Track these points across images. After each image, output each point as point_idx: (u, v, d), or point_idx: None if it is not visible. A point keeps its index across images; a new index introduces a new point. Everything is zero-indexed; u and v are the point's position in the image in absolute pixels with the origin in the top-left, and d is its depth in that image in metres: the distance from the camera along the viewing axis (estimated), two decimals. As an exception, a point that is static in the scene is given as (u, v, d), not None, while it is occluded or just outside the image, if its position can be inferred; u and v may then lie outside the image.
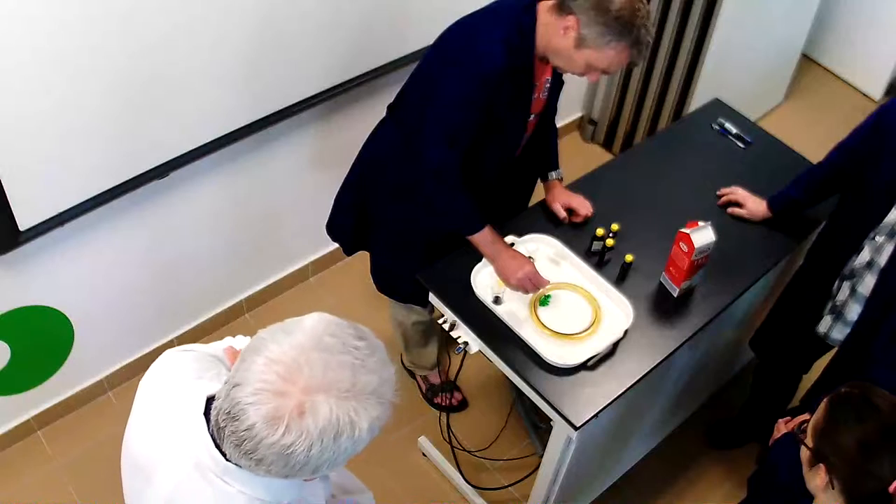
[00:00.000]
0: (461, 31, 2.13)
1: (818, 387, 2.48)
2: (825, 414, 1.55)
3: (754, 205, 2.47)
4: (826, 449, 1.52)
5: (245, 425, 1.06)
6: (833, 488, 1.50)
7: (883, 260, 2.10)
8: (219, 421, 1.11)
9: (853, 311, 2.22)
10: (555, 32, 2.02)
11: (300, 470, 1.09)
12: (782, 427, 1.92)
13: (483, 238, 2.21)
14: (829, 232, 2.38)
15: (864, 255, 2.15)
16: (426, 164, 2.15)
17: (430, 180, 2.18)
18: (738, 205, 2.49)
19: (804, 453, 1.58)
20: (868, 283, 2.15)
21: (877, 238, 2.11)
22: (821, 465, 1.52)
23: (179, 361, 1.33)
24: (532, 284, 2.19)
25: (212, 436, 1.17)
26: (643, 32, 1.98)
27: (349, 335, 1.11)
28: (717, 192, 2.54)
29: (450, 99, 2.08)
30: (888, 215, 2.07)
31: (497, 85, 2.05)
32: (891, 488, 1.45)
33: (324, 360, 1.07)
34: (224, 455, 1.15)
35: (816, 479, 1.53)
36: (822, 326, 2.33)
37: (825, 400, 1.57)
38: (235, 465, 1.15)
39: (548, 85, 2.26)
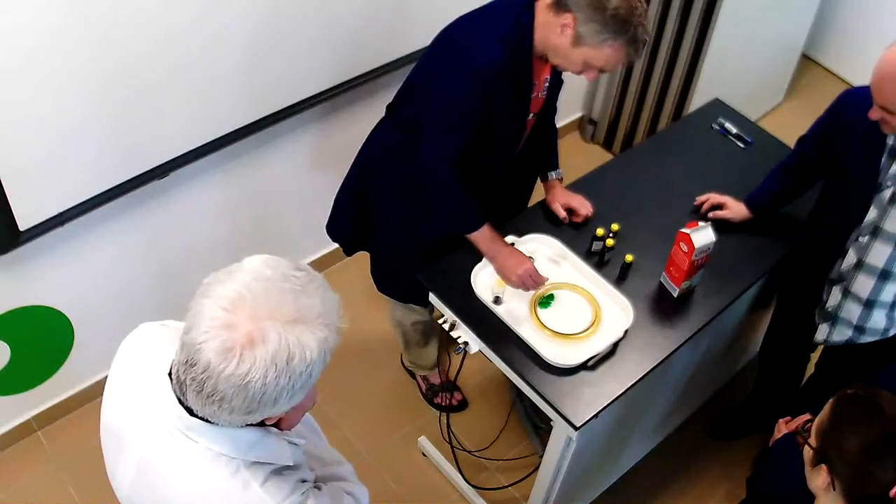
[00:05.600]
0: (460, 30, 2.13)
1: (817, 382, 2.48)
2: (830, 414, 1.54)
3: (736, 205, 2.45)
4: (829, 450, 1.52)
5: (202, 366, 1.09)
6: (834, 489, 1.50)
7: (873, 258, 2.09)
8: (179, 374, 1.14)
9: (853, 313, 2.21)
10: (552, 30, 2.02)
11: (261, 401, 1.11)
12: (783, 427, 1.91)
13: (482, 236, 2.21)
14: (807, 242, 2.36)
15: (850, 258, 2.14)
16: (426, 162, 2.15)
17: (430, 179, 2.18)
18: (720, 207, 2.47)
19: (807, 453, 1.58)
20: (862, 282, 2.14)
21: (860, 238, 2.11)
22: (823, 465, 1.52)
23: (153, 332, 1.38)
24: (532, 281, 2.19)
25: (176, 394, 1.20)
26: (640, 31, 1.98)
27: (287, 266, 1.17)
28: (695, 203, 2.50)
29: (449, 97, 2.08)
30: (867, 215, 2.07)
31: (496, 83, 2.05)
32: (892, 492, 1.45)
33: (266, 289, 1.12)
34: (189, 411, 1.19)
35: (818, 480, 1.53)
36: (820, 335, 2.32)
37: (831, 400, 1.57)
38: (200, 419, 1.18)
39: (547, 84, 2.26)
